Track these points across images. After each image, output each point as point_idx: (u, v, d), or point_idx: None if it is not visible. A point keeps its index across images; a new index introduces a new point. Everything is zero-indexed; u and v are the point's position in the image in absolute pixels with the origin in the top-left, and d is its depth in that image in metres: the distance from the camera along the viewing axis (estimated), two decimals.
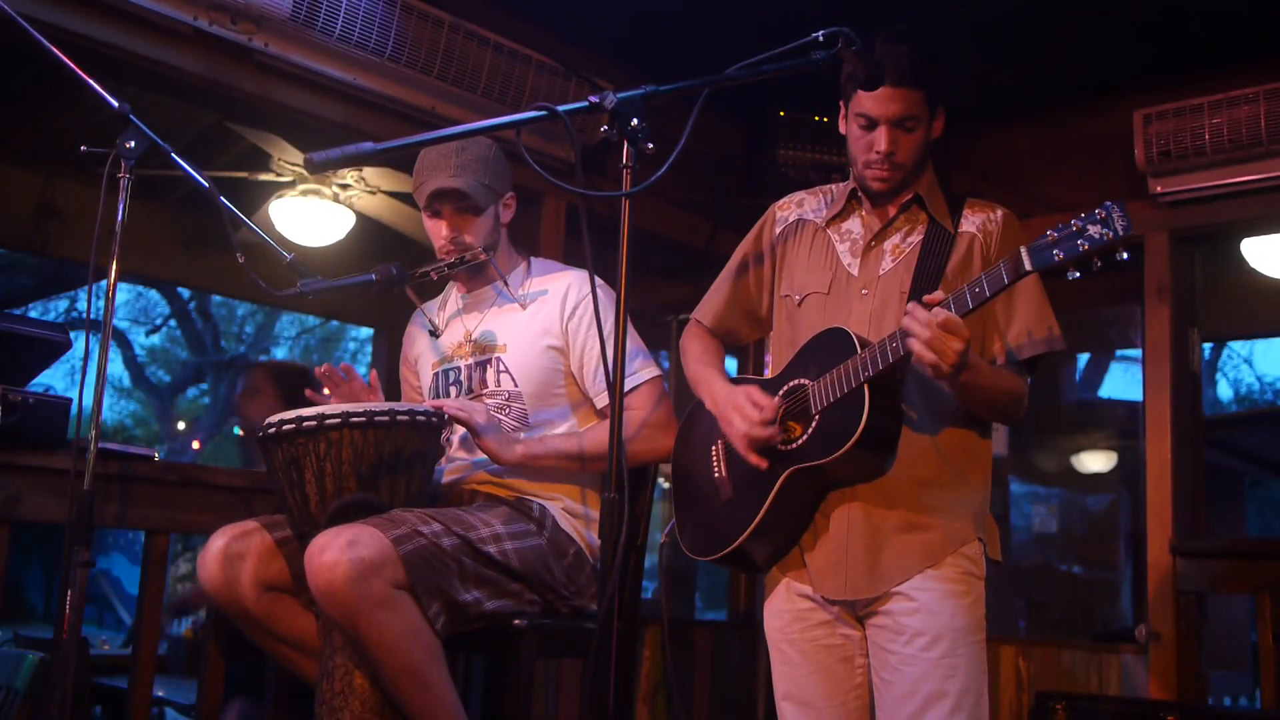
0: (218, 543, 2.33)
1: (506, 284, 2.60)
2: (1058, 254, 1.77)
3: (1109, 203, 1.75)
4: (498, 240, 2.60)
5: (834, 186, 2.28)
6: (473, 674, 2.98)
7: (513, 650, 2.30)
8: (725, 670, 4.45)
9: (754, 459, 2.04)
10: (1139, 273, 3.79)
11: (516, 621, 2.30)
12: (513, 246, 2.69)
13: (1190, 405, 3.76)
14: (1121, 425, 7.19)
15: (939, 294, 1.89)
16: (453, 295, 2.74)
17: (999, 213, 2.14)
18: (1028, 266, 1.80)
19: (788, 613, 2.13)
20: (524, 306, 2.58)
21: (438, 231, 2.55)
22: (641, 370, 2.52)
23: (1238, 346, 16.00)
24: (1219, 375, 16.30)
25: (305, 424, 2.23)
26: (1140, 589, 4.71)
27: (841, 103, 2.14)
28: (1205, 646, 3.57)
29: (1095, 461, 7.65)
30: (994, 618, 2.07)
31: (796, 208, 2.28)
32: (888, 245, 2.13)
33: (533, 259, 2.70)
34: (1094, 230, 1.74)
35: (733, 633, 4.54)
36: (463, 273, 2.58)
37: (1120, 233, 1.73)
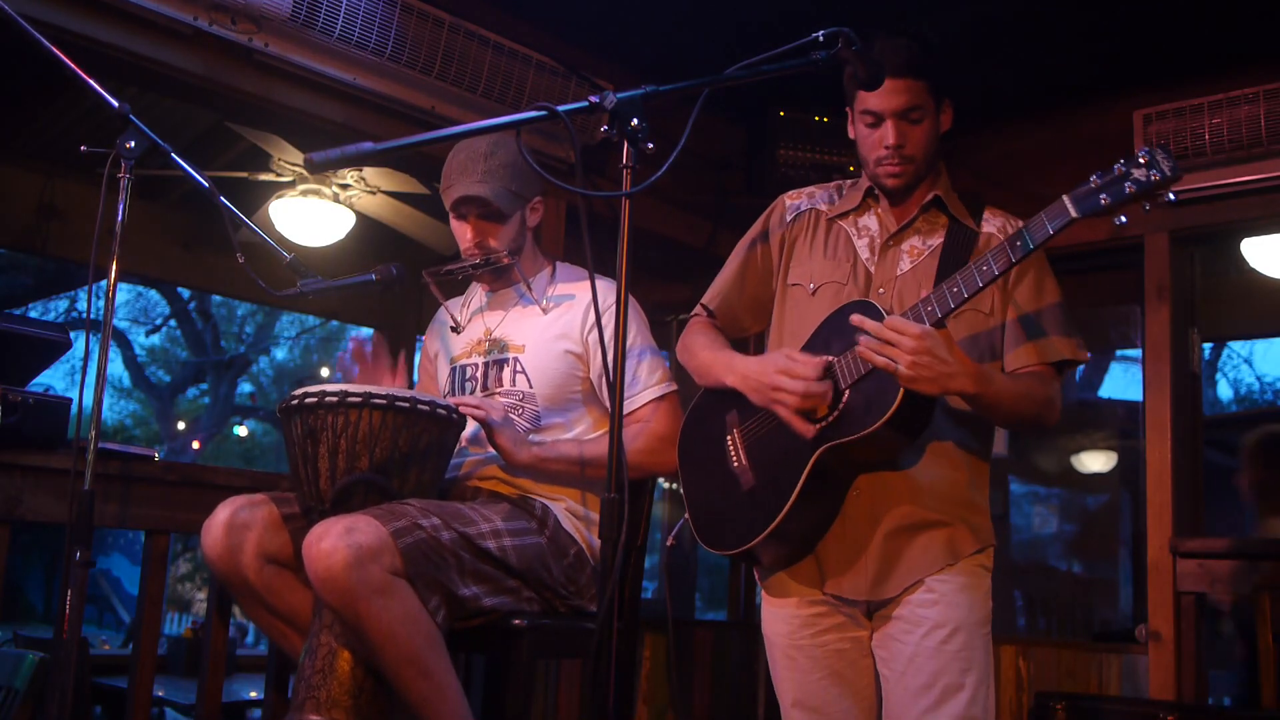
0: (224, 511, 2.32)
1: (529, 287, 2.62)
2: (1104, 199, 1.74)
3: (1146, 148, 1.73)
4: (523, 244, 2.63)
5: (845, 183, 2.26)
6: (473, 674, 2.98)
7: (513, 650, 2.29)
8: (725, 670, 4.44)
9: (800, 426, 1.94)
10: (1139, 273, 3.79)
11: (516, 621, 2.30)
12: (539, 250, 2.72)
13: (1190, 405, 3.76)
14: (1121, 425, 7.18)
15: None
16: (477, 293, 2.78)
17: (1018, 221, 2.11)
18: (1073, 214, 1.77)
19: (796, 618, 2.11)
20: (545, 310, 2.60)
21: (463, 234, 2.59)
22: (663, 384, 2.55)
23: (1238, 346, 15.98)
24: (1219, 375, 16.29)
25: (327, 398, 2.26)
26: (1140, 589, 4.71)
27: (848, 108, 2.13)
28: (1205, 646, 3.57)
29: (1095, 461, 7.64)
30: (994, 617, 2.07)
31: (808, 198, 2.26)
32: (905, 246, 2.11)
33: (558, 264, 2.73)
34: (1139, 174, 1.71)
35: (733, 633, 4.54)
36: (487, 273, 2.62)
37: (1168, 173, 1.69)
